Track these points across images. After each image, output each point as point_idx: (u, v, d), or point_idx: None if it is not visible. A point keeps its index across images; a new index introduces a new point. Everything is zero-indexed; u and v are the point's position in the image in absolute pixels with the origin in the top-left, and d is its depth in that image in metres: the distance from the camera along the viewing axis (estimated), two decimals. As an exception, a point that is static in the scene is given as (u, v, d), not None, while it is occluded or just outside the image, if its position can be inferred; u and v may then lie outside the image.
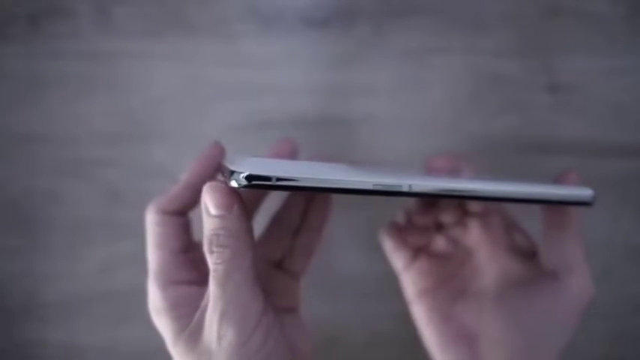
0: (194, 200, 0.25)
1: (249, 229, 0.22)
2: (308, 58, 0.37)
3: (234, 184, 0.19)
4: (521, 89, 0.37)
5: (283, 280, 0.26)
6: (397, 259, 0.31)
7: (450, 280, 0.31)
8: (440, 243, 0.32)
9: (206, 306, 0.22)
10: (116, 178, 0.38)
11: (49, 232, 0.38)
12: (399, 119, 0.37)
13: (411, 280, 0.31)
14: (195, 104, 0.37)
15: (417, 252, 0.31)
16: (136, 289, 0.39)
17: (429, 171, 0.30)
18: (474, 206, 0.31)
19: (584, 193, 0.24)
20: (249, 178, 0.18)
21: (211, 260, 0.21)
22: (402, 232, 0.31)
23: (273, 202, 0.28)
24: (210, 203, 0.21)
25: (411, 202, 0.32)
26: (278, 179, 0.19)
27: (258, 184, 0.18)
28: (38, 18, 0.36)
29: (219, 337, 0.21)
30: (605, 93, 0.37)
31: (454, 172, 0.30)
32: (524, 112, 0.37)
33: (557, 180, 0.27)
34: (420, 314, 0.30)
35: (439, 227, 0.32)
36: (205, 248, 0.21)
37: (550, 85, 0.37)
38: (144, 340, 0.39)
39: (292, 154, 0.29)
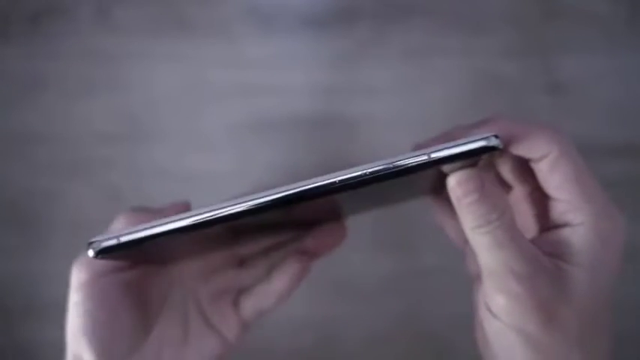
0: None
1: None
2: (308, 58, 0.37)
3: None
4: (522, 89, 0.37)
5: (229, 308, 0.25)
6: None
7: None
8: None
9: None
10: (116, 178, 0.38)
11: (49, 232, 0.38)
12: (399, 119, 0.37)
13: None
14: (195, 104, 0.37)
15: None
16: (135, 289, 0.39)
17: None
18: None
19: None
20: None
21: None
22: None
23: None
24: None
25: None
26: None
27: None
28: (38, 18, 0.36)
29: None
30: (605, 93, 0.37)
31: None
32: (525, 112, 0.37)
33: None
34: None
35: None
36: None
37: (550, 85, 0.37)
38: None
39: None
